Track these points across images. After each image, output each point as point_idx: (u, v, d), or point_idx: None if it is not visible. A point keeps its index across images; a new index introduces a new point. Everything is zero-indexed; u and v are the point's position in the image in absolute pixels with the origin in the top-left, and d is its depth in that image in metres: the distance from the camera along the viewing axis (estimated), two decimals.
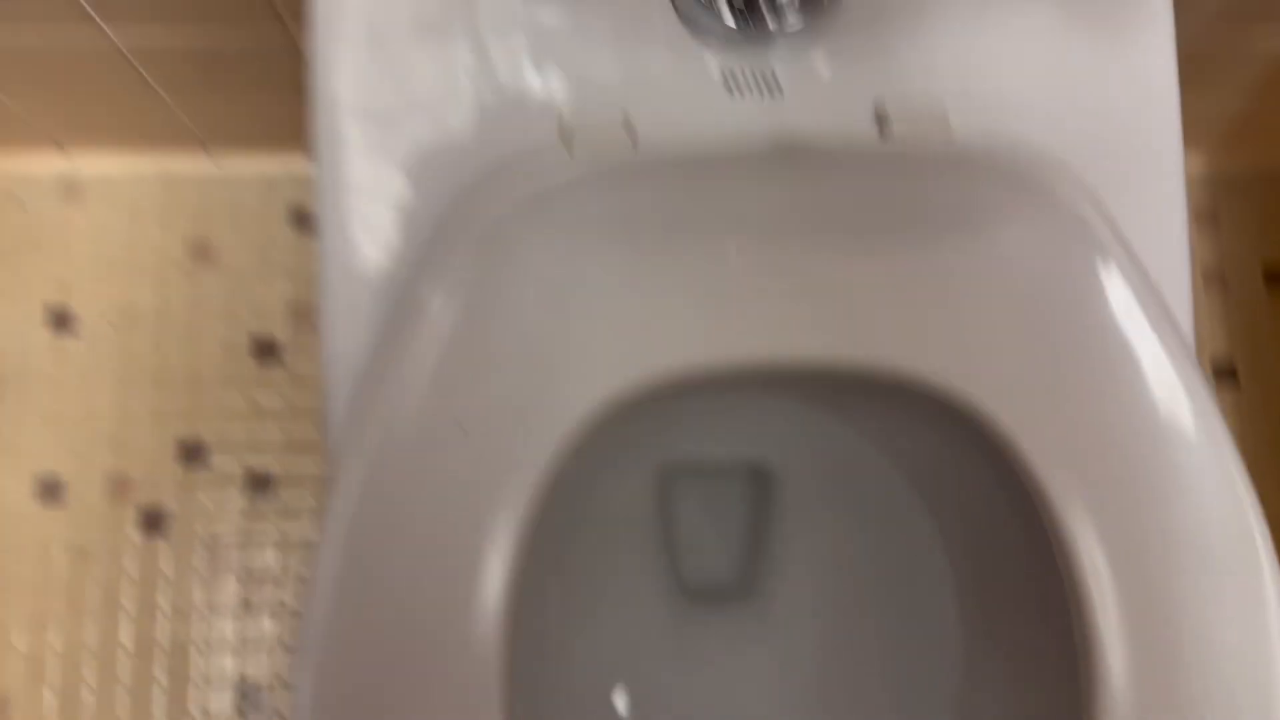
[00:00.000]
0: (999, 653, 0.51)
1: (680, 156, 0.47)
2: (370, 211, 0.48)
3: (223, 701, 0.82)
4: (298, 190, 0.88)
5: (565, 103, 0.48)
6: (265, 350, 0.87)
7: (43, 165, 0.88)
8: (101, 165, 0.88)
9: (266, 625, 0.81)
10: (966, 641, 0.53)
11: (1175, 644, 0.39)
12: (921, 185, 0.46)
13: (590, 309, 0.44)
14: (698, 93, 0.49)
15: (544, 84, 0.48)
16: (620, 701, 0.57)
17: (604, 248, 0.44)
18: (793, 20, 0.47)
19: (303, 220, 0.89)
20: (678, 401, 0.60)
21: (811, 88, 0.49)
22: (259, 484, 0.84)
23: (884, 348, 0.44)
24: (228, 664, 0.82)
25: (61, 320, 0.86)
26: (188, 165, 0.88)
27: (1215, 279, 0.91)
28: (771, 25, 0.47)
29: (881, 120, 0.48)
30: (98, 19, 0.70)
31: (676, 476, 0.61)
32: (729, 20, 0.47)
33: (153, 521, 0.84)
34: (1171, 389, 0.41)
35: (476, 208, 0.45)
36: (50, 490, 0.83)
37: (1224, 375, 0.90)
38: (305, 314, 0.88)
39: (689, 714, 0.57)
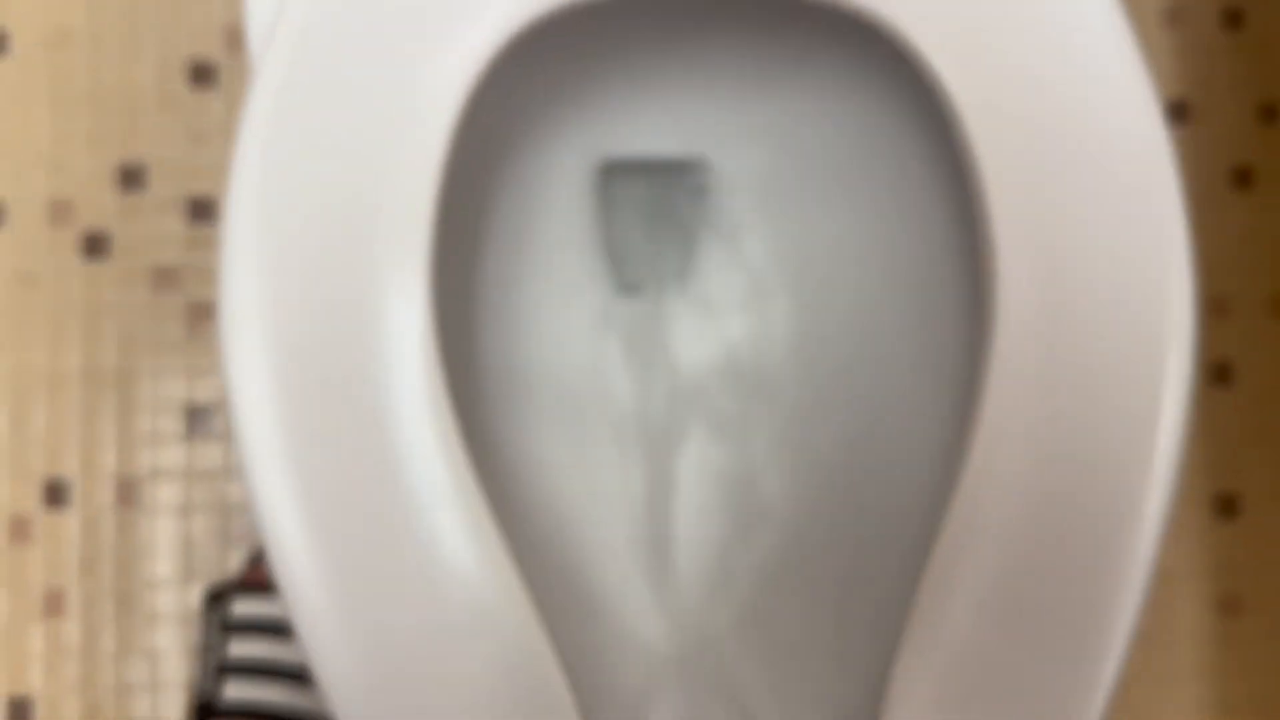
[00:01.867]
0: (907, 308, 0.53)
1: None
2: None
3: (173, 424, 0.83)
4: None
5: None
6: (202, 74, 0.85)
7: None
8: None
9: (213, 351, 0.82)
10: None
11: (1073, 262, 0.40)
12: None
13: None
14: None
15: None
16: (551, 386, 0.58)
17: None
18: None
19: None
20: (611, 93, 0.59)
21: None
22: (199, 210, 0.84)
23: None
24: (176, 388, 0.83)
25: None
26: None
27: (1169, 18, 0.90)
28: None
29: None
30: None
31: (617, 177, 0.61)
32: None
33: (94, 245, 0.84)
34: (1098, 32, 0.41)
35: None
36: None
37: (1174, 114, 0.89)
38: (241, 37, 0.85)
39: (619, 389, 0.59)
